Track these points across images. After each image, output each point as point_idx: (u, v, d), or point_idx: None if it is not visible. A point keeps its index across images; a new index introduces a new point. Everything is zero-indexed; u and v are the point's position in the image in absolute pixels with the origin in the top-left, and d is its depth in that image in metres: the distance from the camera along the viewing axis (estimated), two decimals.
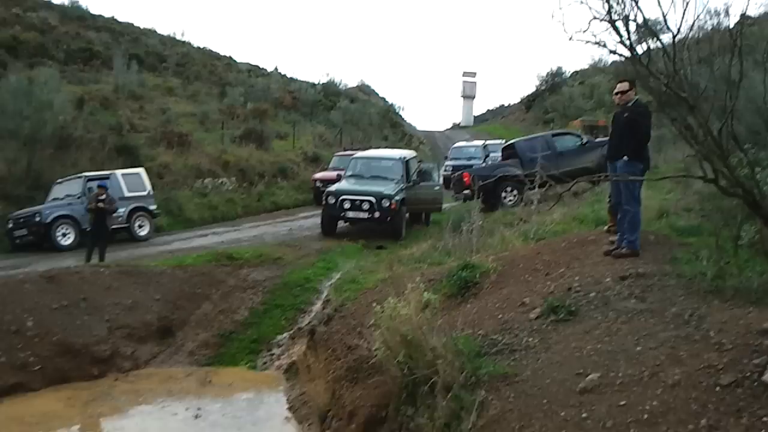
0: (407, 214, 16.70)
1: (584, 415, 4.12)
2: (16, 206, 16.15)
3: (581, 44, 6.93)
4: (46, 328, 9.68)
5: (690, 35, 7.57)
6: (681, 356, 4.39)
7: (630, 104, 7.17)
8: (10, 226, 15.29)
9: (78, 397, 9.11)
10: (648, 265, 6.33)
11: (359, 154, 19.32)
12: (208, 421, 8.38)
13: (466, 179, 17.05)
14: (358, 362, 7.01)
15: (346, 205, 15.45)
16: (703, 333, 4.61)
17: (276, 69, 45.45)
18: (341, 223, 16.45)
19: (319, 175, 22.92)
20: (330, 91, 41.59)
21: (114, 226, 15.55)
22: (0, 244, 15.14)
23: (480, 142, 29.64)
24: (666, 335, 4.76)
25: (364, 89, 51.37)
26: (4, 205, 16.16)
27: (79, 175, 16.07)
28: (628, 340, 4.86)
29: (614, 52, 7.78)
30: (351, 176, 17.01)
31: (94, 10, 41.12)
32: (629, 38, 7.43)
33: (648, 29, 7.82)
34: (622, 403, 4.10)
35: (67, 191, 15.69)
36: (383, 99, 52.75)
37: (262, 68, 45.21)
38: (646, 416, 3.89)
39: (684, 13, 6.68)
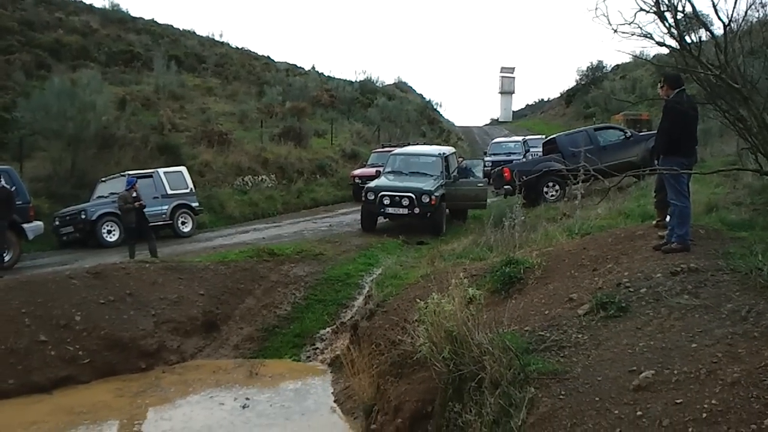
0: (447, 210, 16.62)
1: (639, 413, 4.02)
2: (62, 204, 16.50)
3: (625, 37, 6.79)
4: (94, 323, 9.88)
5: (741, 26, 7.37)
6: (740, 354, 4.26)
7: (669, 98, 6.97)
8: (57, 223, 15.61)
9: (127, 388, 9.31)
10: (700, 260, 6.16)
11: (398, 150, 19.27)
12: (255, 411, 8.48)
13: (506, 174, 16.89)
14: (402, 357, 6.98)
15: (386, 201, 15.44)
16: (762, 330, 4.47)
17: (313, 68, 45.67)
18: (381, 219, 16.44)
19: (357, 171, 22.98)
20: (367, 88, 41.56)
21: (157, 223, 15.80)
22: (47, 241, 15.44)
23: (520, 138, 29.40)
24: (722, 332, 4.63)
25: (401, 86, 51.27)
26: (50, 204, 16.50)
27: (122, 173, 16.30)
28: (683, 337, 4.74)
29: (662, 44, 7.62)
30: (390, 172, 16.99)
31: (135, 13, 41.74)
32: (678, 29, 7.26)
33: (698, 19, 7.63)
34: (679, 401, 3.99)
35: (111, 189, 15.92)
36: (420, 95, 52.60)
37: (300, 67, 45.39)
38: (705, 415, 3.78)
39: (735, 3, 6.50)
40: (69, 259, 13.66)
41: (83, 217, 15.26)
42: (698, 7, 7.11)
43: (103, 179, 16.71)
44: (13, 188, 13.16)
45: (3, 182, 12.68)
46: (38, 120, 18.03)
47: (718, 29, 6.97)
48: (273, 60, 44.82)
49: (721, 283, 5.53)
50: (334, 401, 8.69)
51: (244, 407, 8.55)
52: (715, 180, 11.12)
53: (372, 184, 16.37)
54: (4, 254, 12.66)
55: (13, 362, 8.98)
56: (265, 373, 9.76)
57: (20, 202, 13.32)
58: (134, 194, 13.07)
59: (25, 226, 13.54)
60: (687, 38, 7.13)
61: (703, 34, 7.42)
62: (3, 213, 12.21)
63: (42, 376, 9.07)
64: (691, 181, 7.38)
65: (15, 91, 21.49)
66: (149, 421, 8.54)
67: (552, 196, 16.34)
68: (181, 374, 9.90)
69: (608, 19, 6.66)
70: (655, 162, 7.65)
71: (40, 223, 14.23)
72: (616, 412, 4.11)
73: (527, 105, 74.56)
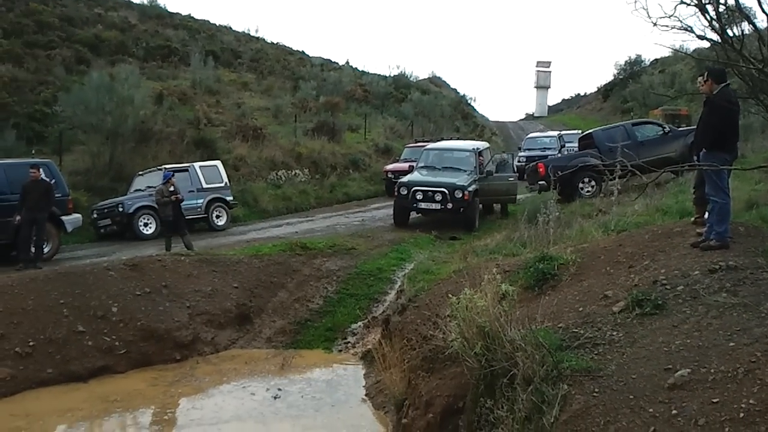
0: (480, 206, 16.53)
1: (674, 411, 3.95)
2: (100, 197, 16.84)
3: (664, 31, 6.69)
4: (130, 314, 10.04)
5: None
6: None
7: (715, 93, 6.80)
8: (95, 216, 15.91)
9: (162, 377, 9.46)
10: (739, 257, 6.03)
11: (431, 145, 19.22)
12: (286, 401, 8.55)
13: (541, 170, 16.73)
14: (434, 352, 6.96)
15: (419, 196, 15.42)
16: None
17: (347, 62, 45.73)
18: (413, 214, 16.42)
19: (390, 166, 22.95)
20: (401, 83, 41.49)
21: (192, 216, 16.00)
22: (85, 233, 15.75)
23: (555, 133, 29.09)
24: (762, 331, 4.52)
25: (435, 81, 51.08)
26: (88, 197, 16.81)
27: (159, 167, 16.55)
28: (720, 336, 4.64)
29: (702, 37, 7.46)
30: (423, 167, 16.97)
31: (172, 9, 42.44)
32: (719, 21, 7.10)
33: (740, 12, 7.45)
34: (716, 400, 3.91)
35: (148, 183, 16.17)
36: (455, 90, 52.32)
37: (334, 62, 45.50)
38: (742, 415, 3.70)
39: None
40: (106, 251, 13.91)
41: (120, 210, 15.52)
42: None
43: (140, 173, 16.99)
44: (53, 181, 13.42)
45: (43, 175, 12.94)
46: (78, 114, 18.39)
47: (762, 22, 6.81)
48: (308, 55, 45.06)
49: (761, 282, 5.40)
50: (365, 395, 8.73)
51: (275, 398, 8.63)
52: (755, 176, 10.87)
53: (405, 179, 16.35)
54: (44, 246, 12.92)
55: (51, 352, 9.17)
56: (299, 365, 9.83)
57: (59, 195, 13.57)
58: (171, 188, 13.20)
59: (64, 218, 13.79)
60: (729, 31, 6.98)
61: (746, 27, 7.26)
62: (42, 205, 12.46)
63: (79, 365, 9.24)
64: (731, 177, 7.21)
65: (55, 85, 21.92)
66: (181, 410, 8.65)
67: (588, 191, 16.13)
68: (216, 364, 10.02)
69: (647, 12, 6.56)
70: (694, 158, 7.50)
71: (78, 215, 14.48)
72: (651, 410, 4.05)
73: (563, 100, 73.68)
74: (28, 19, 27.61)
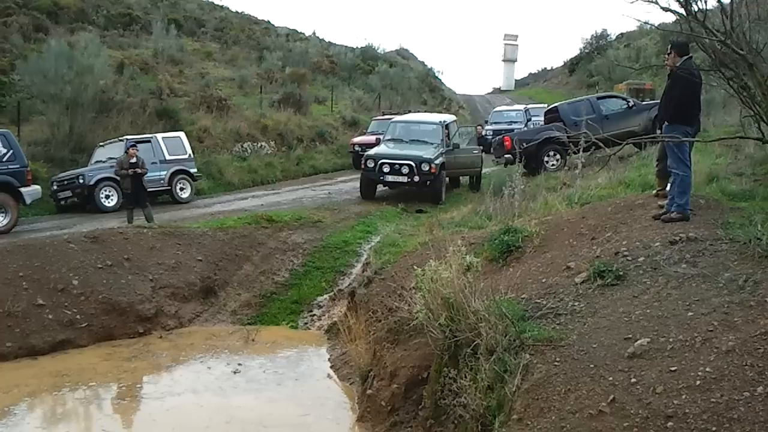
0: (447, 178, 16.57)
1: (633, 380, 4.03)
2: (60, 168, 16.44)
3: (630, 3, 6.68)
4: (92, 287, 9.87)
5: None
6: (735, 322, 4.26)
7: (678, 65, 6.87)
8: (55, 188, 15.54)
9: (119, 353, 9.32)
10: (699, 229, 6.13)
11: (398, 118, 19.14)
12: (246, 376, 8.51)
13: (507, 143, 16.78)
14: (399, 324, 6.99)
15: (386, 169, 15.36)
16: (758, 299, 4.46)
17: (314, 33, 45.05)
18: (380, 187, 16.39)
19: (357, 139, 22.80)
20: (368, 55, 41.10)
21: (155, 189, 15.72)
22: (45, 205, 15.41)
23: (521, 106, 29.17)
24: (719, 301, 4.62)
25: (402, 53, 50.71)
26: (48, 168, 16.40)
27: (121, 138, 16.20)
28: (679, 306, 4.73)
29: (667, 9, 7.48)
30: (390, 140, 16.89)
31: None
32: None
33: None
34: (674, 368, 4.00)
35: (109, 154, 15.81)
36: (422, 63, 51.97)
37: (300, 32, 44.81)
38: (698, 382, 3.79)
39: None
40: (67, 224, 13.62)
41: (81, 181, 15.18)
42: None
43: (101, 144, 16.60)
44: (11, 152, 13.09)
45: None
46: (36, 83, 17.90)
47: None
48: (273, 25, 44.28)
49: (720, 253, 5.50)
50: (330, 367, 8.74)
51: (235, 372, 8.57)
52: (716, 150, 11.04)
53: (372, 151, 16.28)
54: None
55: (10, 325, 8.99)
56: (261, 340, 9.77)
57: (18, 166, 13.25)
58: (133, 159, 12.84)
59: (22, 190, 13.41)
60: (693, 5, 7.01)
61: (710, 1, 7.28)
62: None
63: (40, 339, 9.08)
64: (693, 150, 7.31)
65: (12, 53, 21.30)
66: (133, 384, 8.52)
67: (552, 165, 16.23)
68: (174, 340, 9.91)
69: None
70: (658, 131, 7.57)
71: (37, 187, 14.09)
72: (611, 378, 4.12)
73: (530, 73, 73.50)
74: None
